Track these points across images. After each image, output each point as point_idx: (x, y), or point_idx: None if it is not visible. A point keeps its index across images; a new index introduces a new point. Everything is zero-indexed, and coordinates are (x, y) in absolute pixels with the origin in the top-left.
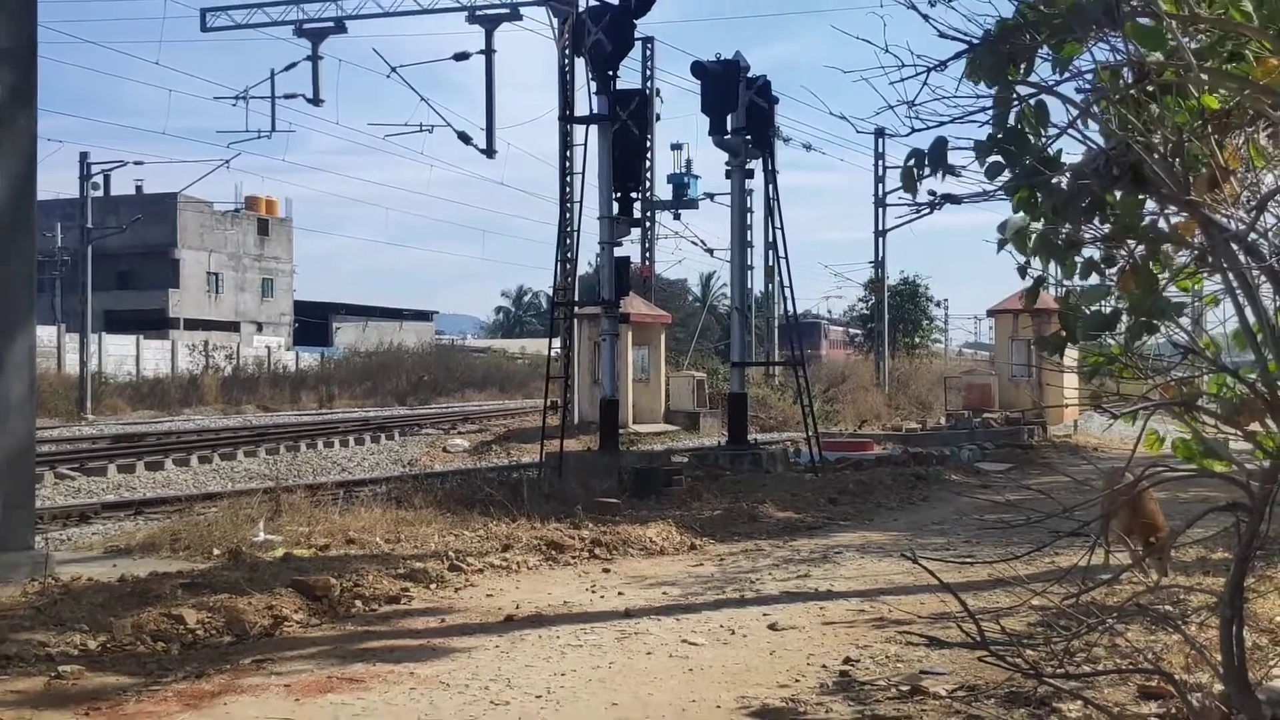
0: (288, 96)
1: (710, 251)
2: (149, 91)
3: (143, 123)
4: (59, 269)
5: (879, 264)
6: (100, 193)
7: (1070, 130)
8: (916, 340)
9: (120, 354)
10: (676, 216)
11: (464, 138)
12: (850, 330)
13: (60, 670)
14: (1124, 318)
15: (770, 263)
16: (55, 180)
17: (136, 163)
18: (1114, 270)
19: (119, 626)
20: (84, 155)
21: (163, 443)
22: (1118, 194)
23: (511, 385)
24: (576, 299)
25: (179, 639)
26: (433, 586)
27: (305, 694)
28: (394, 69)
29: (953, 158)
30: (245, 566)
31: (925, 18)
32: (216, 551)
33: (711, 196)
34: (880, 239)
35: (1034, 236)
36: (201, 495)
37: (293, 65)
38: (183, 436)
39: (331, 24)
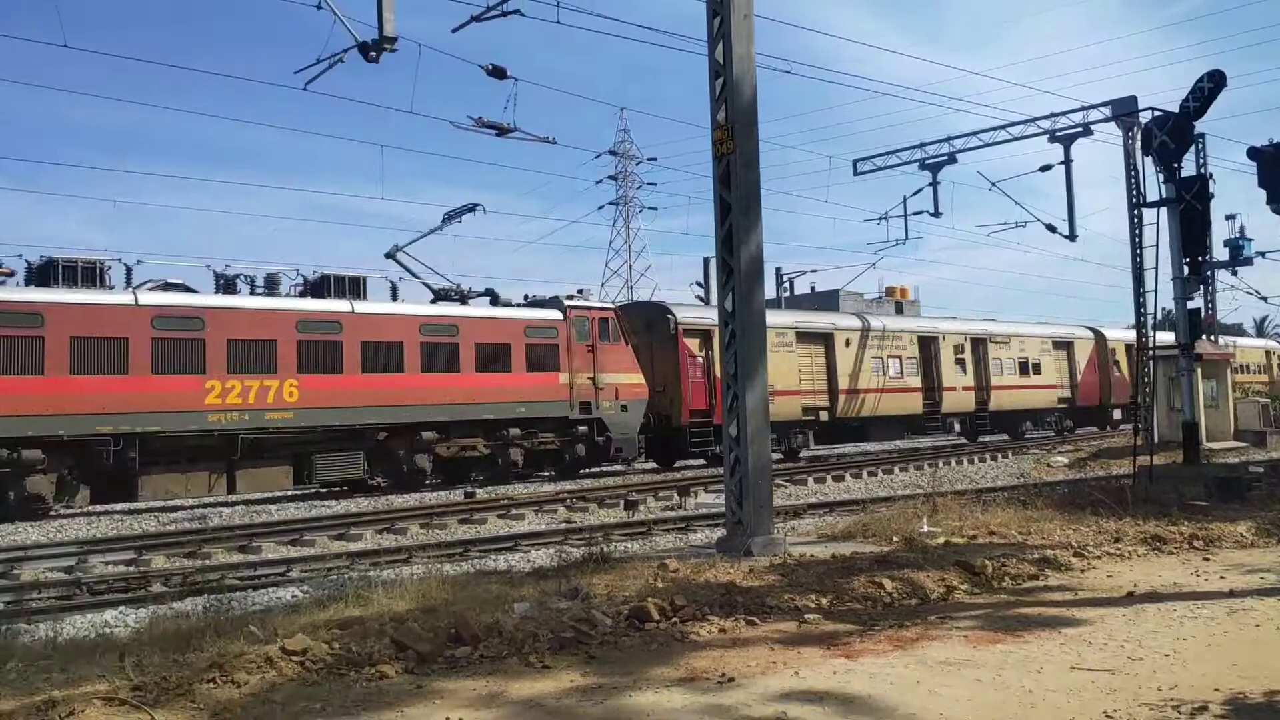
0: (915, 213)
1: (1265, 299)
2: (819, 221)
3: (816, 242)
4: None
5: None
6: (788, 293)
7: None
8: None
9: None
10: (1234, 273)
11: (1050, 228)
12: None
13: (805, 618)
14: None
15: None
16: None
17: (812, 270)
18: None
19: (838, 588)
20: (778, 269)
21: (840, 463)
22: None
23: None
24: (1152, 345)
25: (879, 600)
26: (1061, 569)
27: (979, 643)
28: (993, 184)
29: None
30: (917, 549)
31: None
32: (894, 539)
33: (1263, 254)
34: None
35: None
36: (873, 499)
37: (918, 191)
38: (854, 458)
39: (945, 157)
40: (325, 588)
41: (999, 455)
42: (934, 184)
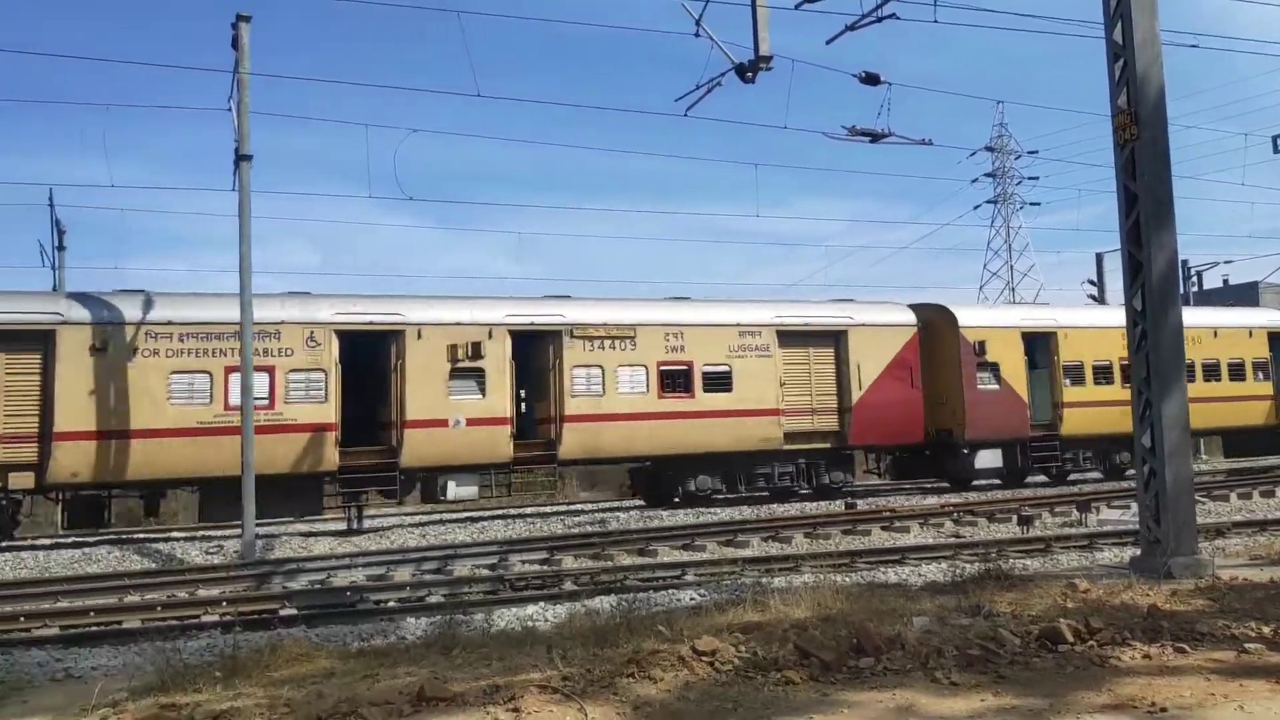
0: None
1: None
2: (1233, 206)
3: (1229, 230)
4: None
5: None
6: (1195, 288)
7: None
8: None
9: None
10: None
11: None
12: None
13: (1245, 648)
14: None
15: None
16: None
17: (1225, 261)
18: None
19: None
20: (1185, 260)
21: (1264, 478)
22: None
23: None
24: None
25: None
26: None
27: None
28: None
29: None
30: None
31: None
32: None
33: None
34: None
35: None
36: None
37: None
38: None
39: None
40: (721, 591)
41: None
42: None
